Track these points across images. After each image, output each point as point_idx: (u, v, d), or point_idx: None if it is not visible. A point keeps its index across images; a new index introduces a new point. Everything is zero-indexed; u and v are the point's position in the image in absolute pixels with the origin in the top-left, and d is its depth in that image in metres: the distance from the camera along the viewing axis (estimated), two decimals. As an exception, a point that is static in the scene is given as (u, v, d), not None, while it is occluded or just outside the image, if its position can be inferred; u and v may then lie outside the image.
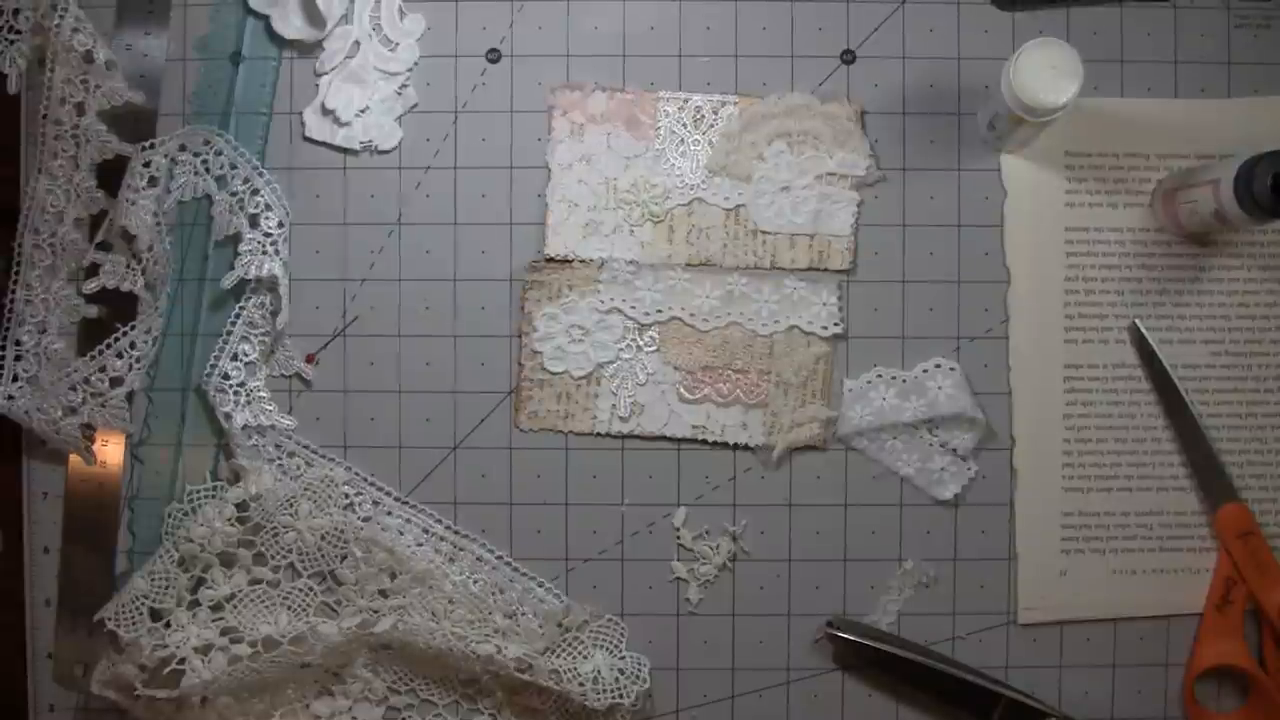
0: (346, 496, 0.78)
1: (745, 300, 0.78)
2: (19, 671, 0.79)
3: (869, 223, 0.79)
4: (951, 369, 0.78)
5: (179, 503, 0.78)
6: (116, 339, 0.77)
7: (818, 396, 0.78)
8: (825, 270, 0.79)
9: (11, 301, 0.78)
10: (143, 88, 0.78)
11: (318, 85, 0.79)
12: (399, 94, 0.79)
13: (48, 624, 0.79)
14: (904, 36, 0.79)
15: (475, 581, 0.78)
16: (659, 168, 0.79)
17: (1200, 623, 0.78)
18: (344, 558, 0.77)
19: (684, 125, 0.79)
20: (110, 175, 0.77)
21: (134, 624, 0.75)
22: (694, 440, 0.78)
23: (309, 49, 0.79)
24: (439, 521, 0.79)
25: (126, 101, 0.76)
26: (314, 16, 0.78)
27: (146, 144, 0.77)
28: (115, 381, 0.77)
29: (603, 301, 0.78)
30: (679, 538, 0.78)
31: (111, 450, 0.79)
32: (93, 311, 0.78)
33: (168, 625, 0.76)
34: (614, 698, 0.76)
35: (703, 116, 0.79)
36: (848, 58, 0.79)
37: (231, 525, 0.77)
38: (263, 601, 0.77)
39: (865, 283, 0.79)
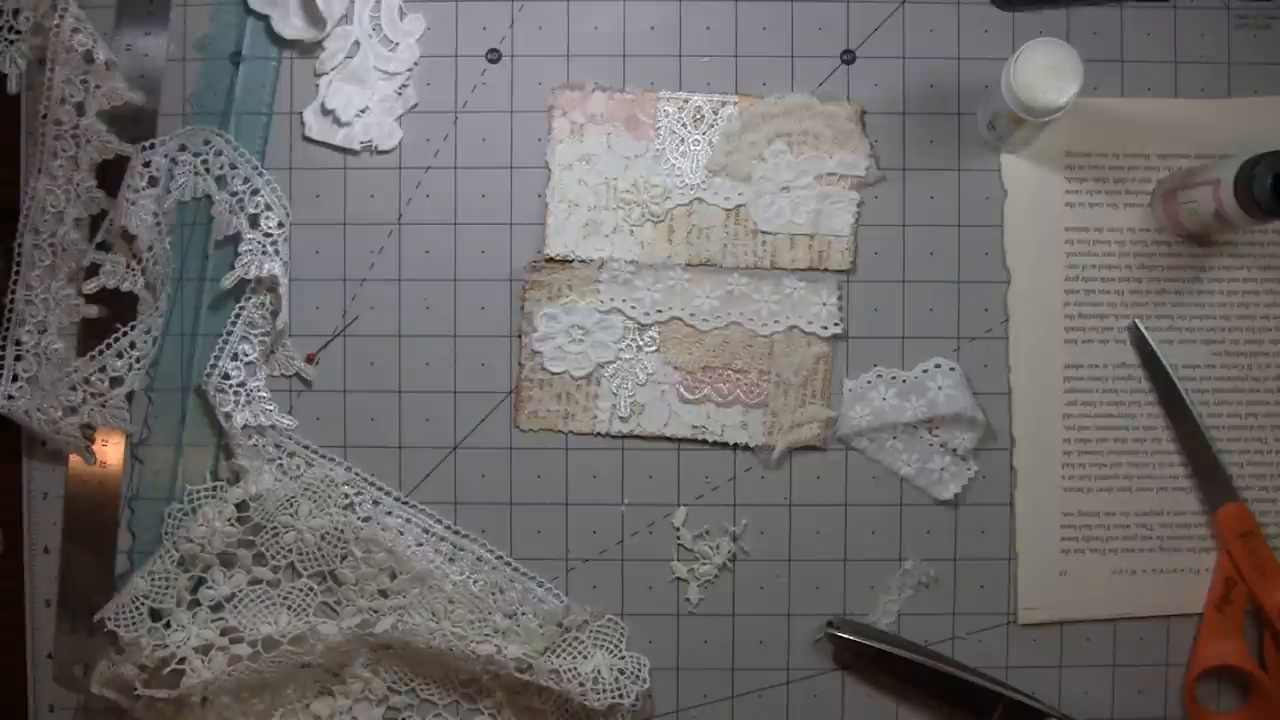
0: (346, 496, 0.78)
1: (745, 300, 0.78)
2: (19, 671, 0.79)
3: (869, 223, 0.79)
4: (951, 369, 0.78)
5: (179, 503, 0.78)
6: (116, 339, 0.77)
7: (818, 396, 0.78)
8: (825, 270, 0.79)
9: (11, 301, 0.78)
10: (143, 88, 0.78)
11: (318, 85, 0.79)
12: (399, 94, 0.79)
13: (48, 624, 0.79)
14: (904, 36, 0.79)
15: (475, 581, 0.78)
16: (659, 168, 0.79)
17: (1200, 623, 0.78)
18: (344, 558, 0.77)
19: (684, 125, 0.79)
20: (110, 175, 0.77)
21: (134, 624, 0.75)
22: (694, 440, 0.78)
23: (309, 49, 0.79)
24: (439, 521, 0.79)
25: (126, 101, 0.76)
26: (314, 16, 0.78)
27: (146, 144, 0.77)
28: (115, 381, 0.77)
29: (603, 301, 0.78)
30: (679, 538, 0.78)
31: (111, 450, 0.79)
32: (93, 311, 0.78)
33: (168, 625, 0.76)
34: (614, 698, 0.76)
35: (703, 116, 0.79)
36: (848, 58, 0.79)
37: (231, 525, 0.77)
38: (263, 601, 0.77)
39: (865, 283, 0.79)
